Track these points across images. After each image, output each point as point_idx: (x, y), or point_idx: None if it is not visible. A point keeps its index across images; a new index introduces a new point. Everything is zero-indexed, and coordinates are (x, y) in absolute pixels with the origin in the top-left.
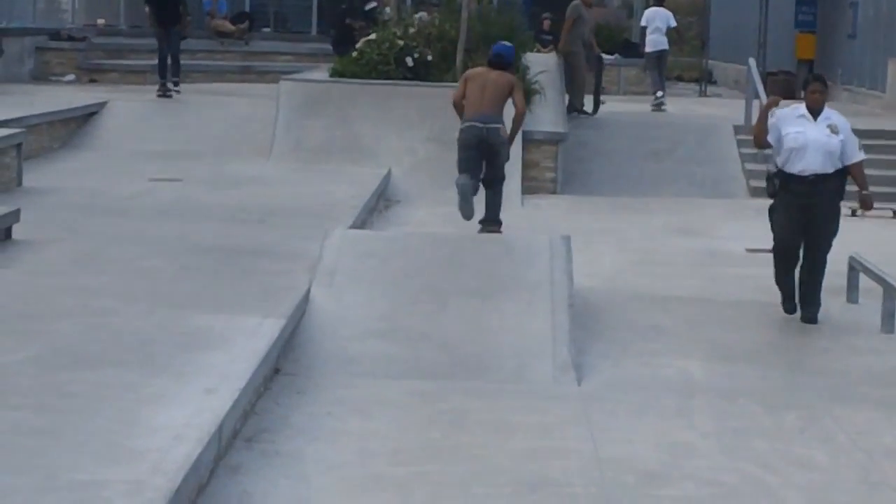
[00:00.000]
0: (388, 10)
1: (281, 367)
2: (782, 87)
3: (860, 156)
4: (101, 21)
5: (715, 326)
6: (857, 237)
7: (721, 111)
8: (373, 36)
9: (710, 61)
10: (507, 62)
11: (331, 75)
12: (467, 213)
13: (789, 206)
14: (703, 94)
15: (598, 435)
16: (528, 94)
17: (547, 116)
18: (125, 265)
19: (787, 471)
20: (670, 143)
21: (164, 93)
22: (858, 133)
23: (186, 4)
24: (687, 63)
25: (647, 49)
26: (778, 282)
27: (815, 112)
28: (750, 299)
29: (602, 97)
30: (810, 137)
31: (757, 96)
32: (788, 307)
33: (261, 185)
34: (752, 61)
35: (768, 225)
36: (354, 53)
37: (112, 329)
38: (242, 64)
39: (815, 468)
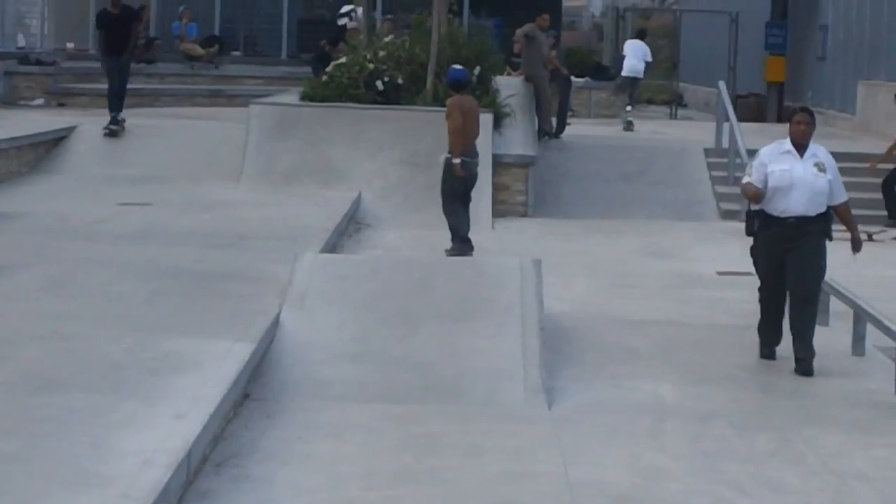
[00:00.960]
0: (358, 11)
1: (251, 392)
2: (752, 109)
3: (846, 196)
4: (70, 45)
5: (686, 349)
6: (829, 260)
7: (692, 134)
8: (343, 59)
9: (680, 84)
10: (467, 84)
11: (301, 99)
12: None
13: (771, 248)
14: (673, 116)
15: (570, 458)
16: (499, 116)
17: (517, 139)
18: (95, 290)
19: (759, 493)
20: (641, 166)
21: (113, 131)
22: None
23: (138, 33)
24: (658, 86)
25: (623, 72)
26: (760, 327)
27: (800, 147)
28: (721, 322)
29: (569, 120)
30: (797, 176)
31: (727, 119)
32: (767, 352)
33: (231, 208)
34: (722, 84)
35: (739, 247)
36: (324, 77)
37: (81, 353)
38: (212, 87)
39: (786, 491)
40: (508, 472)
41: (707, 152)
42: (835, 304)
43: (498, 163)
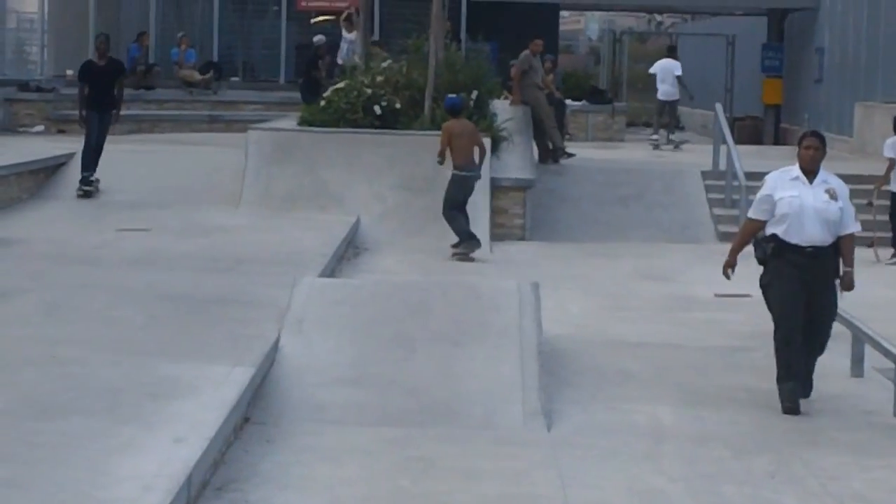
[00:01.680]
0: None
1: (250, 416)
2: (749, 131)
3: (855, 227)
4: (69, 72)
5: (684, 371)
6: None
7: (689, 156)
8: (341, 84)
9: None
10: (461, 109)
11: (299, 124)
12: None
13: (788, 279)
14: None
15: (568, 481)
16: (496, 140)
17: (514, 163)
18: (93, 315)
19: None
20: (638, 189)
21: (86, 192)
22: None
23: (123, 88)
24: (654, 109)
25: (658, 97)
26: (780, 375)
27: (810, 173)
28: (719, 344)
29: (566, 143)
30: (807, 203)
31: (724, 141)
32: (792, 407)
33: (230, 233)
34: (718, 106)
35: (738, 269)
36: (322, 102)
37: (80, 378)
38: (210, 113)
39: None
40: (506, 495)
41: (704, 175)
42: (833, 326)
43: (495, 186)
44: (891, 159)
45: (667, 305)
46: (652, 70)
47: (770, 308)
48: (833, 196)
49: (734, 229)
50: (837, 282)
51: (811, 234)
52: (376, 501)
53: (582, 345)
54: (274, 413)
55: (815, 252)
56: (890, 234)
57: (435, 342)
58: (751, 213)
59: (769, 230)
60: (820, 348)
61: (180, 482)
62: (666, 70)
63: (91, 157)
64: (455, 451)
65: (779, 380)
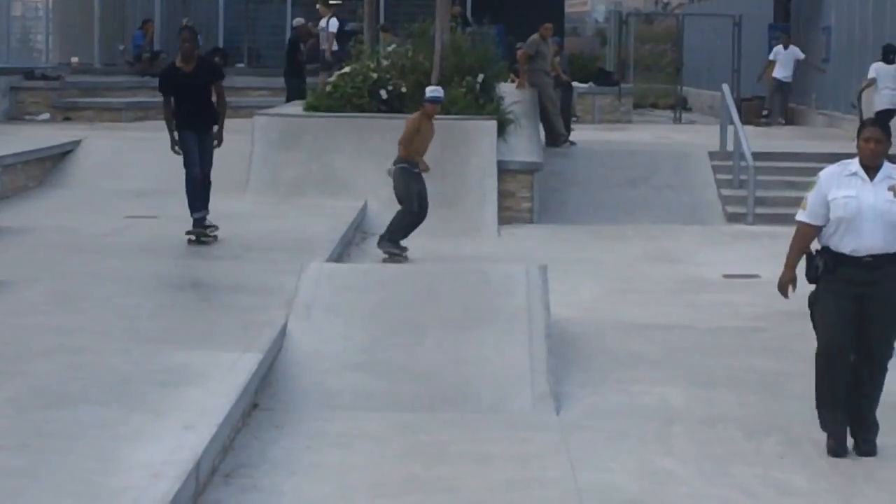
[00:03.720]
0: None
1: (259, 402)
2: (756, 112)
3: None
4: (74, 60)
5: (693, 353)
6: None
7: (696, 137)
8: (347, 69)
9: (684, 88)
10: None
11: (305, 109)
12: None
13: (839, 298)
14: (678, 120)
15: (578, 464)
16: (503, 123)
17: (522, 146)
18: (102, 303)
19: (768, 496)
20: (646, 171)
21: (201, 236)
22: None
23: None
24: (661, 90)
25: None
26: (821, 401)
27: (871, 169)
28: (728, 325)
29: (573, 125)
30: (865, 204)
31: (731, 122)
32: (837, 445)
33: (237, 220)
34: (725, 87)
35: (746, 250)
36: (328, 87)
37: (89, 367)
38: None
39: (795, 493)
40: (517, 479)
41: (712, 156)
42: None
43: (503, 170)
44: (871, 79)
45: (676, 287)
46: (772, 56)
47: (815, 328)
48: None
49: (742, 210)
50: None
51: (870, 241)
52: (387, 487)
53: (591, 327)
54: (283, 399)
55: (875, 262)
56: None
57: (444, 327)
58: (803, 216)
59: (821, 241)
60: (877, 387)
61: (189, 469)
62: (783, 54)
63: (198, 193)
64: (465, 435)
65: (819, 405)
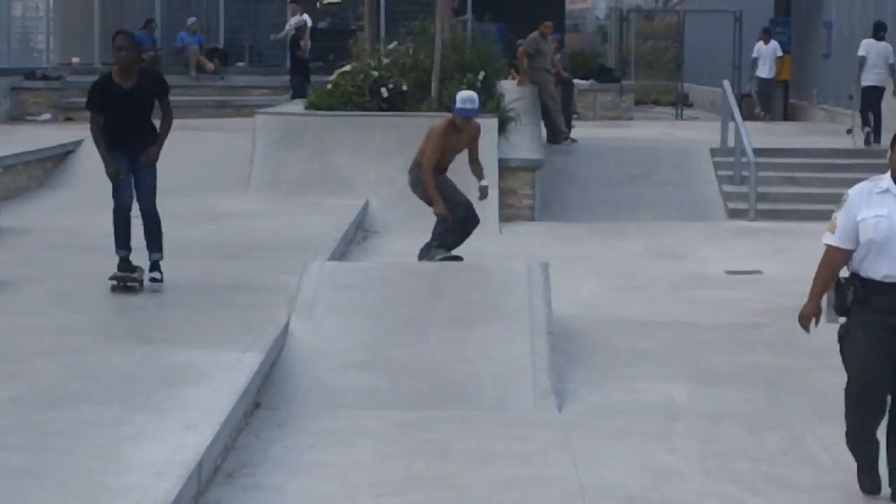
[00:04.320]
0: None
1: (261, 401)
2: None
3: None
4: (75, 60)
5: (696, 349)
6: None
7: (698, 134)
8: (347, 67)
9: (685, 84)
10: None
11: (306, 108)
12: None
13: (872, 329)
14: (679, 117)
15: (581, 461)
16: (504, 121)
17: (523, 143)
18: (104, 303)
19: (771, 492)
20: (647, 167)
21: (126, 281)
22: (837, 153)
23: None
24: (662, 86)
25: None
26: (853, 442)
27: None
28: (730, 321)
29: (574, 122)
30: None
31: (732, 118)
32: (869, 481)
33: (239, 218)
34: (726, 83)
35: (748, 246)
36: (329, 85)
37: (91, 367)
38: (218, 98)
39: (798, 489)
40: (519, 477)
41: (713, 152)
42: None
43: (504, 167)
44: (861, 57)
45: (678, 284)
46: (862, 51)
47: (846, 365)
48: None
49: (744, 206)
50: None
51: None
52: (389, 484)
53: (593, 324)
54: (285, 398)
55: None
56: None
57: (446, 324)
58: (832, 239)
59: (851, 267)
60: None
61: (191, 468)
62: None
63: (123, 227)
64: (467, 433)
65: (851, 448)
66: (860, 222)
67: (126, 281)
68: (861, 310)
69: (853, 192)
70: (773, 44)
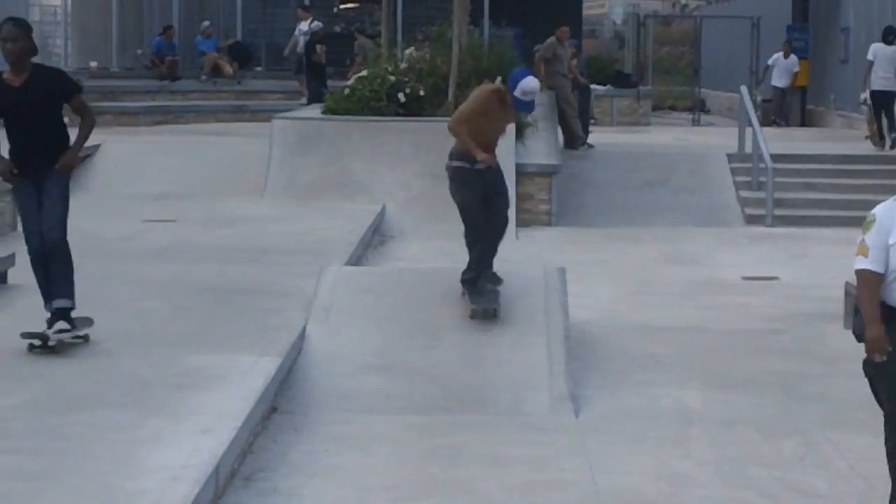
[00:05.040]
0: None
1: (278, 405)
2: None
3: None
4: (93, 64)
5: (711, 355)
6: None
7: (714, 139)
8: (364, 72)
9: (702, 90)
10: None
11: (323, 112)
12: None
13: None
14: (696, 122)
15: (597, 466)
16: (521, 126)
17: (540, 149)
18: (120, 307)
19: (787, 498)
20: (664, 173)
21: (46, 340)
22: (854, 159)
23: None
24: (680, 92)
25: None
26: None
27: None
28: (746, 327)
29: (591, 128)
30: None
31: (749, 124)
32: None
33: (255, 223)
34: (744, 89)
35: (764, 252)
36: (346, 90)
37: (106, 371)
38: (235, 103)
39: (814, 495)
40: (534, 482)
41: (730, 157)
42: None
43: (521, 172)
44: (870, 62)
45: (694, 289)
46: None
47: (880, 402)
48: None
49: (761, 212)
50: None
51: None
52: (404, 489)
53: (609, 330)
54: (301, 402)
55: None
56: None
57: (461, 329)
58: (864, 264)
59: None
60: None
61: (208, 473)
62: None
63: (42, 268)
64: (482, 438)
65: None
66: (892, 246)
67: (46, 341)
68: (889, 340)
69: (879, 212)
70: (793, 58)
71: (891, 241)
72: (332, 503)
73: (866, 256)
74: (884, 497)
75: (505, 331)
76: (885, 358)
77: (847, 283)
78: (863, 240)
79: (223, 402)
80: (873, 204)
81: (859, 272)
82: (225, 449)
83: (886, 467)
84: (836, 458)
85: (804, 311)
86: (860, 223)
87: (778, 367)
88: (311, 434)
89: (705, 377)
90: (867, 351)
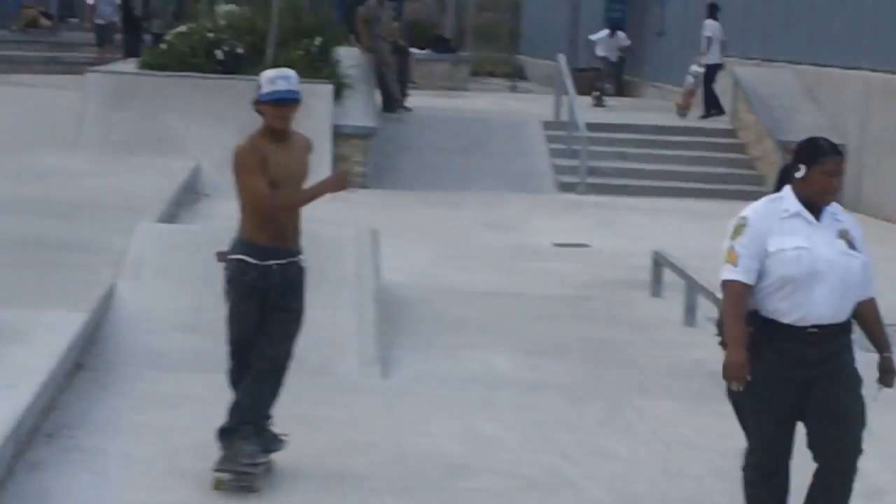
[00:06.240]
0: None
1: (85, 362)
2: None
3: (874, 288)
4: None
5: (521, 320)
6: (661, 232)
7: (531, 107)
8: (183, 28)
9: (522, 57)
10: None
11: (140, 67)
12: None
13: (778, 384)
14: (514, 89)
15: (403, 428)
16: (339, 88)
17: (357, 110)
18: None
19: (588, 462)
20: (480, 139)
21: None
22: (666, 130)
23: None
24: (499, 58)
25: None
26: None
27: (816, 208)
28: (556, 293)
29: (410, 91)
30: (820, 257)
31: (566, 92)
32: None
33: (67, 177)
34: (561, 57)
35: (577, 219)
36: (163, 45)
37: None
38: (49, 55)
39: (615, 459)
40: (341, 443)
41: (546, 125)
42: (668, 276)
43: (337, 134)
44: (708, 37)
45: (507, 255)
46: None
47: (744, 427)
48: (851, 243)
49: (575, 179)
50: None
51: (821, 308)
52: (212, 448)
53: (421, 293)
54: (109, 359)
55: (822, 336)
56: None
57: None
58: (733, 274)
59: (752, 302)
60: (847, 488)
61: (10, 428)
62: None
63: None
64: (290, 398)
65: None
66: (774, 253)
67: None
68: (762, 358)
69: (753, 214)
70: (620, 35)
71: (771, 249)
72: (137, 461)
73: (735, 265)
74: (683, 461)
75: (315, 291)
76: (741, 388)
77: (655, 253)
78: (731, 246)
79: (27, 357)
80: (683, 175)
81: (726, 283)
82: (27, 405)
83: (685, 432)
84: (639, 423)
85: (613, 278)
86: (670, 193)
87: (586, 333)
88: (118, 391)
89: (515, 342)
90: (724, 376)
